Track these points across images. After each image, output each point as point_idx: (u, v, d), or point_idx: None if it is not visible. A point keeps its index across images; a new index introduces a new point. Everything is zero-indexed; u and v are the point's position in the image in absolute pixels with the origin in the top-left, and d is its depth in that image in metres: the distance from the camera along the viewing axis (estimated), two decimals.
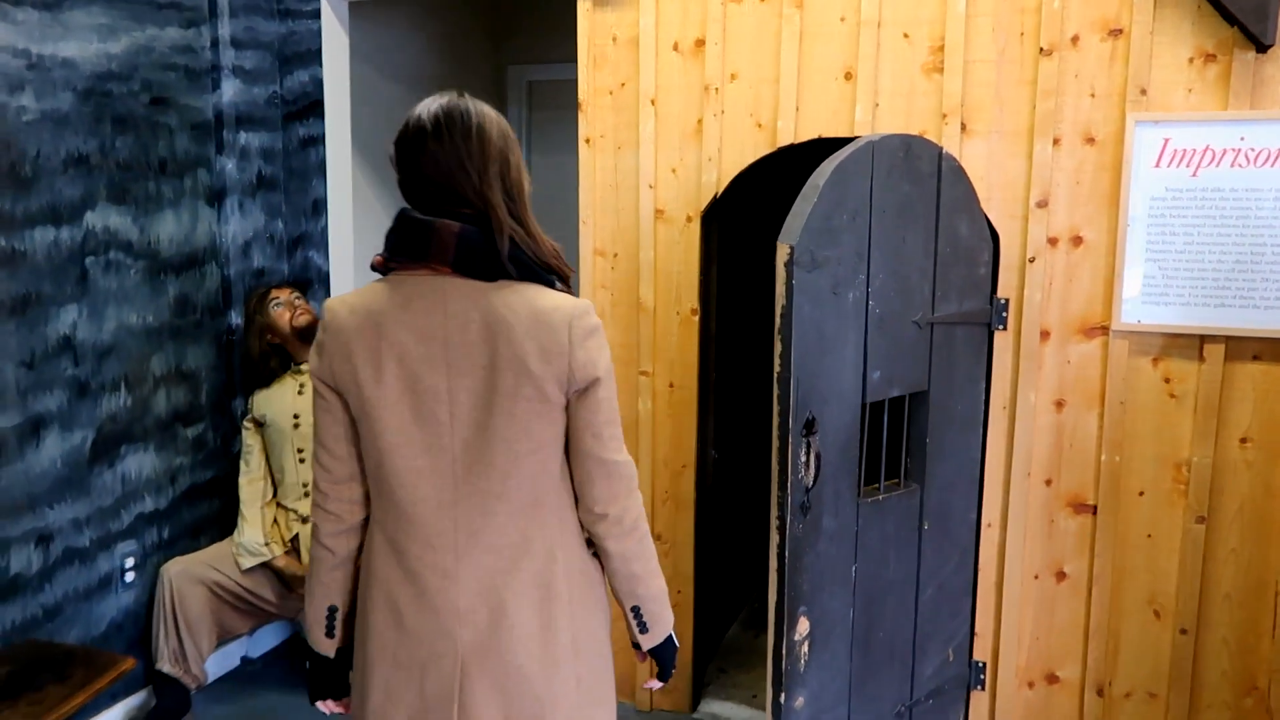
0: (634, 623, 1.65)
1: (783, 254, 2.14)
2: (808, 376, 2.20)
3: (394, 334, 1.50)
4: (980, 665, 2.82)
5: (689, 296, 2.97)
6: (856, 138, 2.60)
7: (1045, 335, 2.63)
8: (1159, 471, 2.59)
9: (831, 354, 2.25)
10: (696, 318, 2.97)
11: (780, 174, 3.05)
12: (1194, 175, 2.45)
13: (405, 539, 1.53)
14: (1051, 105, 2.54)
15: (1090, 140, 2.54)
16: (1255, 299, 2.44)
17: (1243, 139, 2.40)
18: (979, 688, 2.83)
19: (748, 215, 3.40)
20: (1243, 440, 2.51)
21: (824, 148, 2.62)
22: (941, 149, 2.44)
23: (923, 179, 2.40)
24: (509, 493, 1.50)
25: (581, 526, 1.59)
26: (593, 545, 1.62)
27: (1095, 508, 2.65)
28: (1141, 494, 2.61)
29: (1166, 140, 2.45)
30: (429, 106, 1.52)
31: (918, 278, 2.43)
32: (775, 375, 2.19)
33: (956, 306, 2.55)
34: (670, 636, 1.70)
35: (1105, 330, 2.58)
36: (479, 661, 1.51)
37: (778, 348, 2.18)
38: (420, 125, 1.50)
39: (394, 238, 1.53)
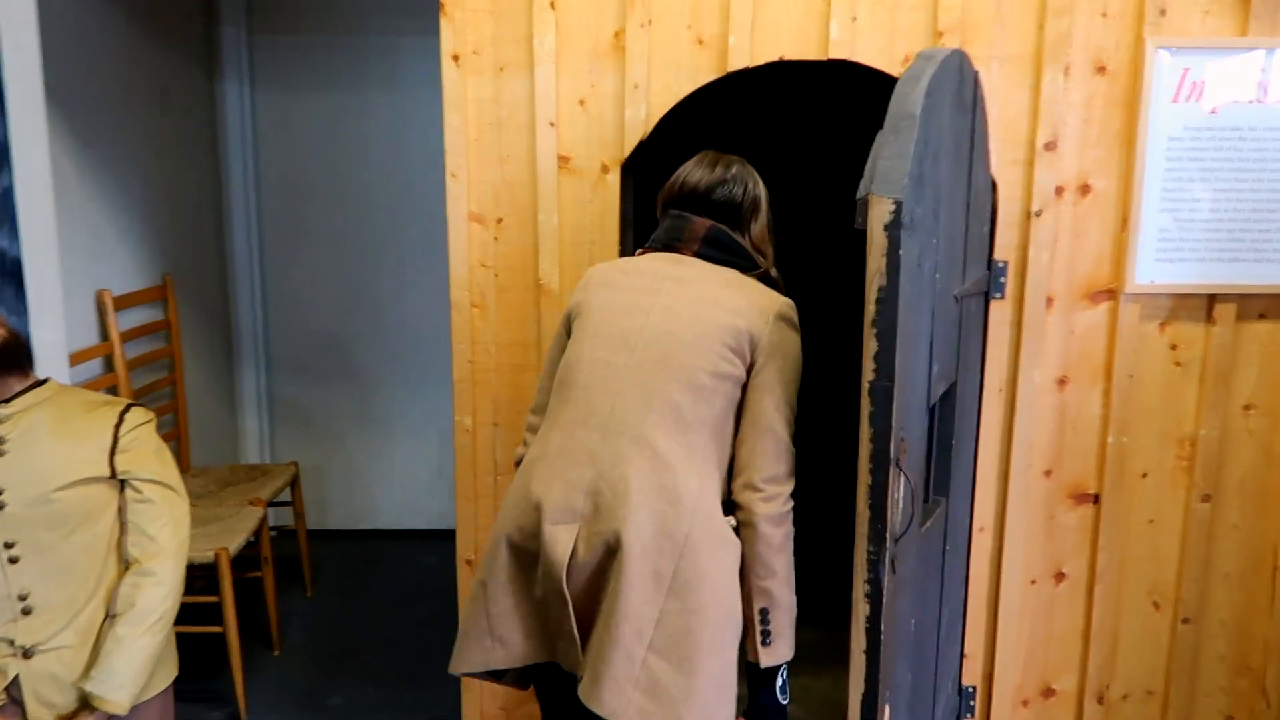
0: (758, 627, 1.62)
1: (882, 212, 1.49)
2: (899, 385, 1.58)
3: None
4: (970, 690, 2.41)
5: None
6: (835, 59, 2.01)
7: (1049, 303, 2.23)
8: (1163, 449, 2.30)
9: (912, 348, 1.65)
10: None
11: (727, 112, 2.36)
12: (1213, 112, 2.14)
13: None
14: (1064, 26, 2.10)
15: (1101, 70, 2.14)
16: (1269, 251, 2.20)
17: (1264, 71, 2.12)
18: (969, 716, 2.43)
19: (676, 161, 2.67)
20: (1246, 407, 2.29)
21: (783, 75, 1.99)
22: (977, 71, 1.91)
23: (967, 110, 1.86)
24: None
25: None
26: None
27: (1097, 496, 2.31)
28: (1145, 476, 2.31)
29: (1186, 71, 2.12)
30: None
31: (957, 241, 1.90)
32: (867, 387, 1.55)
33: (974, 274, 2.06)
34: (780, 681, 1.66)
35: (1113, 294, 2.23)
36: None
37: (871, 347, 1.53)
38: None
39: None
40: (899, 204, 1.48)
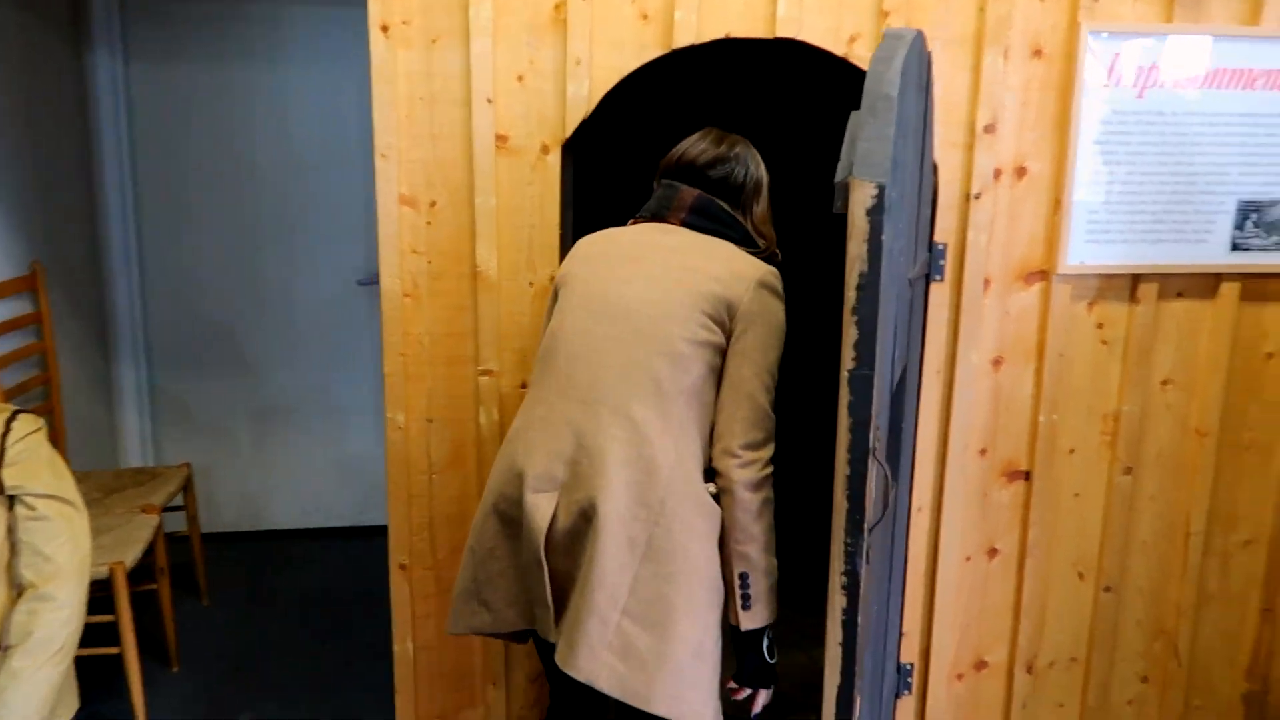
0: (738, 592, 1.62)
1: (864, 196, 1.45)
2: (877, 374, 1.55)
3: None
4: (908, 668, 2.44)
5: (547, 260, 2.11)
6: (781, 38, 1.97)
7: (986, 285, 2.25)
8: (1089, 426, 2.38)
9: (887, 335, 1.62)
10: None
11: (668, 90, 2.28)
12: (1139, 96, 2.20)
13: None
14: (1005, 9, 2.11)
15: (1038, 53, 2.16)
16: (1187, 232, 2.28)
17: (1185, 55, 2.18)
18: (905, 692, 2.46)
19: (625, 147, 2.57)
20: (1164, 383, 2.38)
21: (729, 53, 1.94)
22: (930, 52, 1.89)
23: (923, 91, 1.84)
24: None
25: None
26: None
27: (1028, 473, 2.37)
28: (1072, 452, 2.38)
29: (1116, 55, 2.16)
30: None
31: (913, 223, 1.88)
32: (847, 376, 1.51)
33: (921, 257, 2.06)
34: (766, 642, 1.68)
35: (1045, 275, 2.27)
36: None
37: (851, 335, 1.49)
38: None
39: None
40: (881, 188, 1.44)
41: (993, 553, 2.40)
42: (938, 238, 2.21)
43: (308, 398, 3.86)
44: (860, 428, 1.51)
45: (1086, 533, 2.44)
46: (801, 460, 2.92)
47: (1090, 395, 2.36)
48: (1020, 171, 2.21)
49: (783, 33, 2.05)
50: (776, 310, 1.68)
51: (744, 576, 1.63)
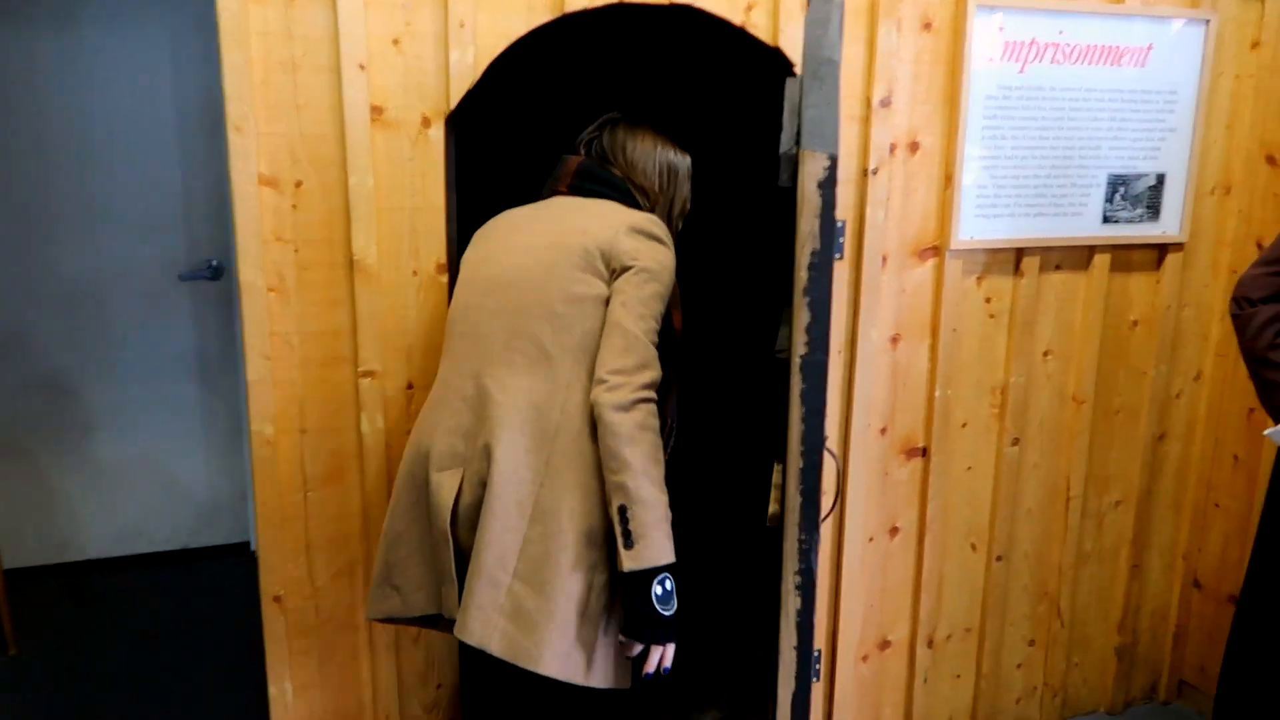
0: (619, 530, 1.49)
1: (816, 169, 1.35)
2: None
3: None
4: (816, 655, 2.40)
5: (432, 246, 1.90)
6: (676, 4, 1.85)
7: (884, 262, 2.22)
8: (979, 399, 2.40)
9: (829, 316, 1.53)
10: (445, 279, 1.92)
11: (556, 60, 2.10)
12: (1021, 72, 2.21)
13: None
14: None
15: (928, 26, 2.14)
16: (1064, 205, 2.33)
17: (1061, 32, 2.22)
18: (814, 680, 2.42)
19: (513, 122, 2.34)
20: (1045, 354, 2.43)
21: (621, 20, 1.81)
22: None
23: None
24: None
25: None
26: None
27: (925, 449, 2.37)
28: (964, 426, 2.40)
29: (1001, 30, 2.17)
30: None
31: None
32: (799, 362, 1.41)
33: None
34: (659, 590, 1.48)
35: (938, 251, 2.26)
36: None
37: (803, 318, 1.40)
38: None
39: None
40: (833, 159, 1.35)
41: (894, 531, 2.39)
42: (836, 214, 2.15)
43: (123, 410, 3.42)
44: (814, 416, 1.42)
45: (977, 504, 2.47)
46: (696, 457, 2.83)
47: (979, 369, 2.38)
48: (913, 146, 2.18)
49: None
50: (652, 251, 1.63)
51: (622, 510, 1.49)
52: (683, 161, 1.86)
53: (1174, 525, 2.69)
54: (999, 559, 2.51)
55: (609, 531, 1.53)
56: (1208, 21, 2.33)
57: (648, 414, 1.52)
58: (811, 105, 1.37)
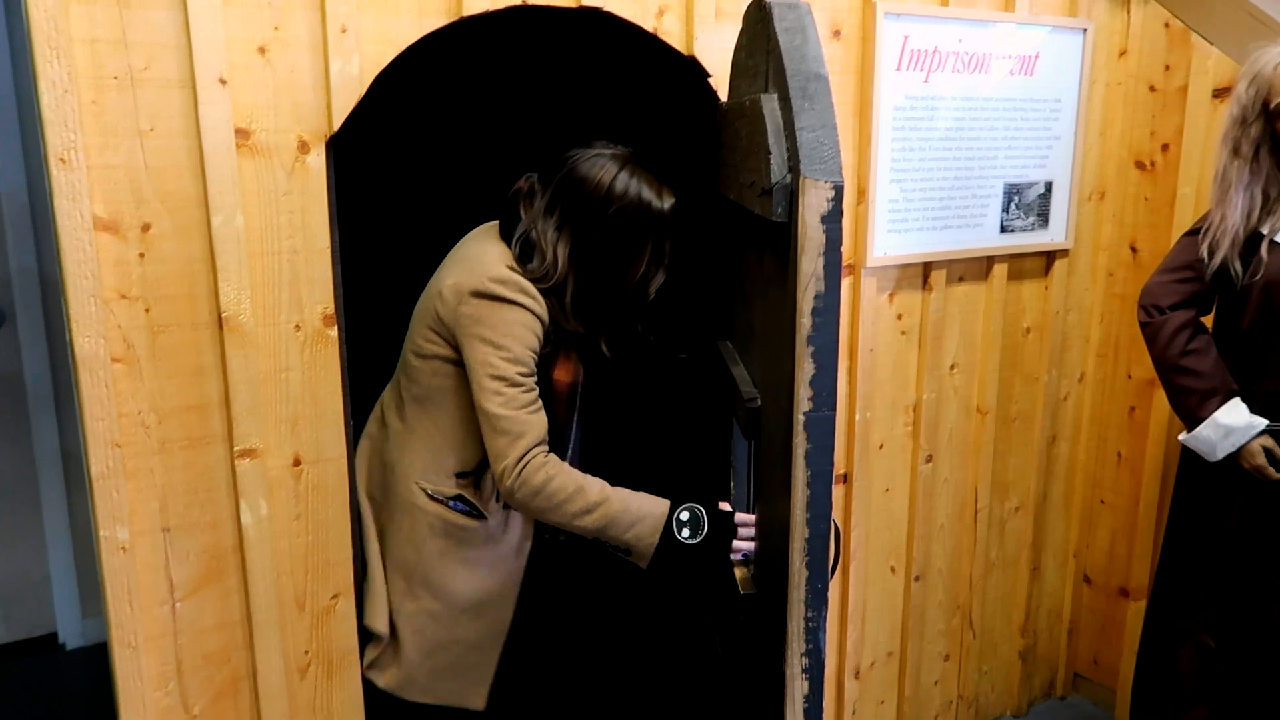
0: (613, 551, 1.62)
1: (820, 200, 1.18)
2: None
3: None
4: None
5: (317, 294, 1.59)
6: (585, 7, 1.66)
7: None
8: (894, 418, 2.33)
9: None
10: (335, 331, 1.62)
11: (449, 71, 1.83)
12: (925, 81, 2.14)
13: None
14: None
15: (837, 33, 2.02)
16: (967, 217, 2.29)
17: (960, 40, 2.17)
18: None
19: (406, 144, 2.01)
20: (952, 367, 2.39)
21: (520, 24, 1.60)
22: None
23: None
24: None
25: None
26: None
27: (847, 475, 2.27)
28: (882, 447, 2.32)
29: (906, 38, 2.09)
30: None
31: None
32: (804, 420, 1.23)
33: None
34: (681, 532, 1.59)
35: (853, 269, 2.16)
36: None
37: (806, 370, 1.22)
38: None
39: None
40: (838, 189, 1.18)
41: None
42: None
43: None
44: (821, 480, 1.25)
45: (896, 526, 2.40)
46: None
47: (893, 387, 2.30)
48: None
49: (589, 1, 1.71)
50: (494, 314, 1.57)
51: (598, 543, 1.62)
52: (641, 217, 1.62)
53: (1065, 525, 2.74)
54: (917, 579, 2.46)
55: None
56: (1084, 30, 2.35)
57: (537, 472, 1.55)
58: (806, 128, 1.20)
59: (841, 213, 1.16)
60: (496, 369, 1.54)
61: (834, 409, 1.22)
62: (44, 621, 3.08)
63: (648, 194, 1.60)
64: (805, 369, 1.21)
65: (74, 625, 3.05)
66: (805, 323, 1.20)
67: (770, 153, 1.24)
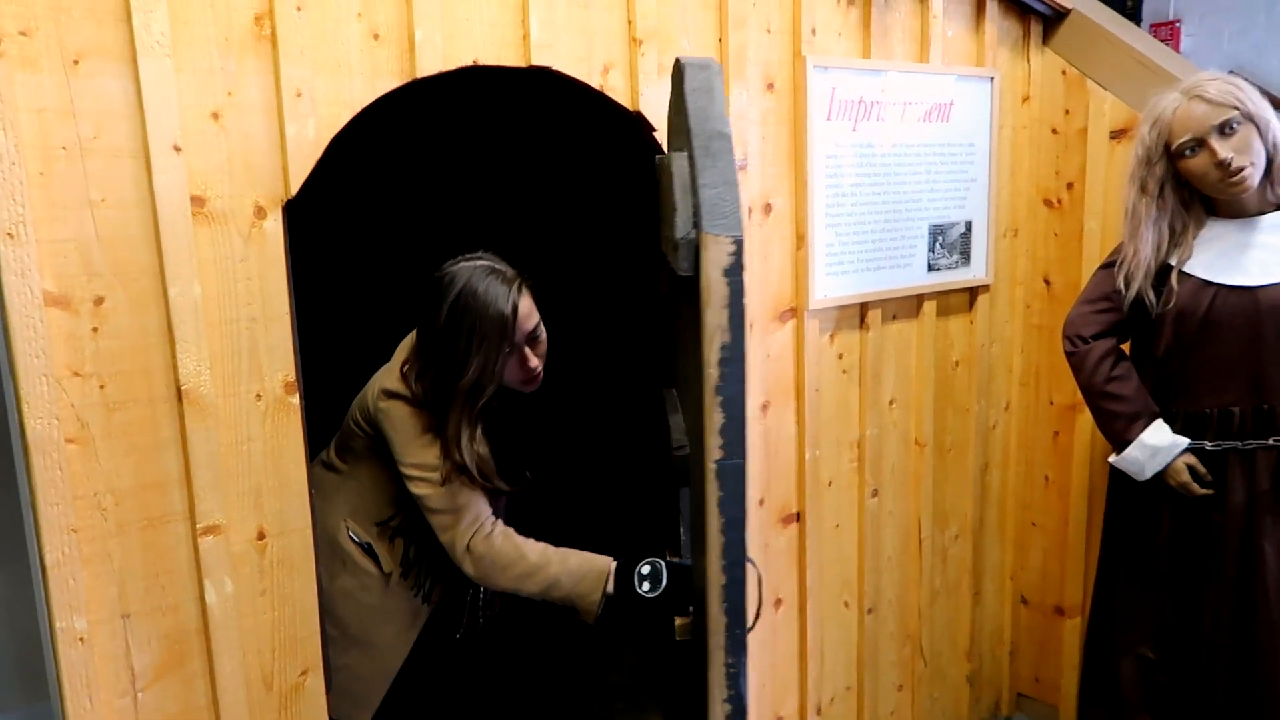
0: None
1: (720, 254, 1.24)
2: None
3: None
4: None
5: (277, 362, 1.55)
6: (535, 67, 1.70)
7: (750, 328, 2.14)
8: (840, 454, 2.38)
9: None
10: (296, 399, 1.58)
11: (400, 134, 1.82)
12: (854, 130, 2.24)
13: None
14: (743, 38, 2.01)
15: (770, 86, 2.10)
16: (898, 258, 2.38)
17: (883, 90, 2.27)
18: None
19: (368, 204, 1.98)
20: (891, 402, 2.47)
21: (472, 84, 1.62)
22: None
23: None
24: None
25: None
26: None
27: (799, 514, 2.31)
28: (830, 484, 2.37)
29: (834, 89, 2.18)
30: None
31: None
32: (715, 469, 1.27)
33: None
34: (641, 585, 1.66)
35: (795, 312, 2.22)
36: None
37: (715, 420, 1.26)
38: None
39: None
40: (738, 243, 1.23)
41: (778, 603, 2.30)
42: None
43: None
44: (734, 527, 1.28)
45: (846, 561, 2.44)
46: None
47: (839, 425, 2.36)
48: (767, 209, 2.13)
49: (538, 59, 1.73)
50: (395, 411, 1.71)
51: (550, 602, 1.73)
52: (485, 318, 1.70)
53: (1001, 549, 2.83)
54: (869, 611, 2.50)
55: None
56: (991, 79, 2.50)
57: (481, 551, 1.68)
58: (708, 184, 1.25)
59: (742, 266, 1.21)
60: (414, 460, 1.69)
61: (743, 457, 1.25)
62: None
63: (483, 301, 1.66)
64: (715, 418, 1.24)
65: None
66: (713, 373, 1.23)
67: (676, 209, 1.29)
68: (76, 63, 1.34)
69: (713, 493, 1.25)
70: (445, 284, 1.65)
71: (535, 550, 1.70)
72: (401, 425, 1.69)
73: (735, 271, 1.21)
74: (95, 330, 1.39)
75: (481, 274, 1.65)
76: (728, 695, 1.31)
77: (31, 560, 1.53)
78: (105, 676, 1.44)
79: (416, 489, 1.69)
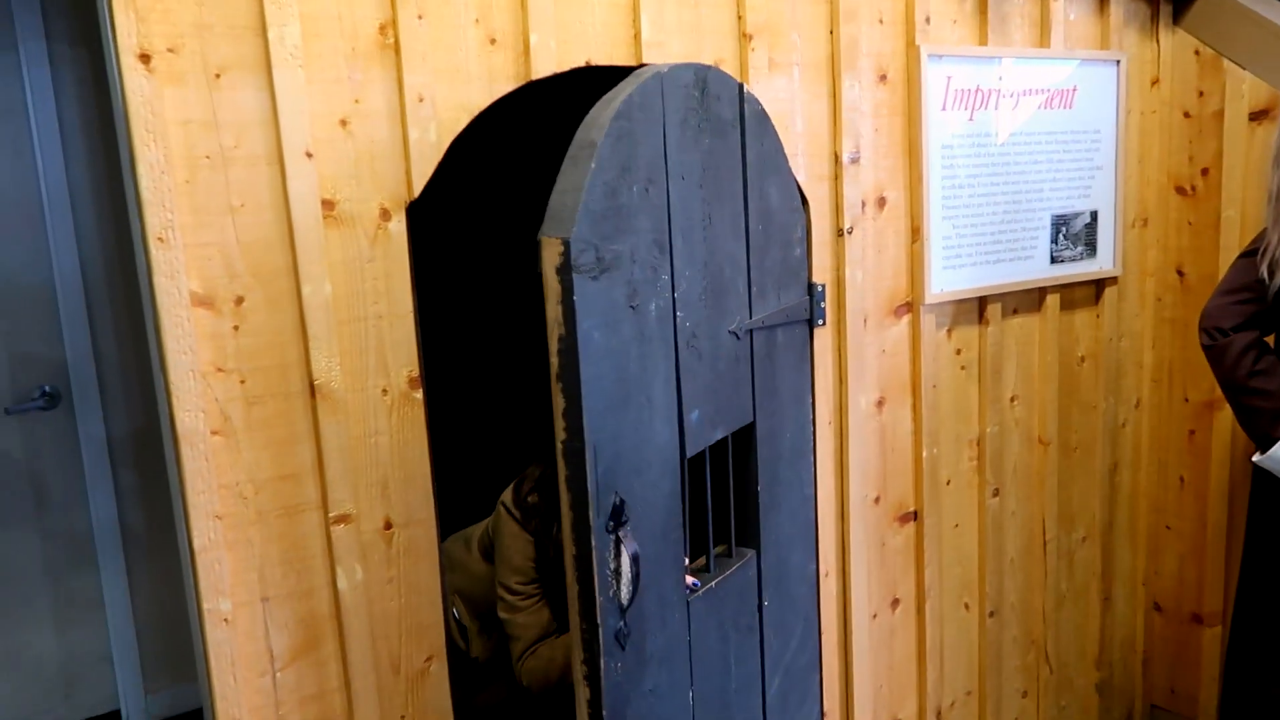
0: None
1: (552, 254, 1.24)
2: (608, 440, 1.33)
3: None
4: None
5: (403, 358, 1.61)
6: (642, 66, 1.69)
7: (864, 323, 2.11)
8: (959, 452, 2.32)
9: (636, 399, 1.38)
10: (420, 394, 1.63)
11: (525, 132, 1.87)
12: (970, 119, 2.18)
13: None
14: (855, 30, 1.99)
15: (883, 78, 2.07)
16: (1018, 250, 2.31)
17: (1000, 78, 2.21)
18: None
19: (486, 205, 2.07)
20: (1012, 399, 2.39)
21: (590, 85, 1.64)
22: (741, 85, 1.66)
23: (725, 129, 1.60)
24: None
25: None
26: None
27: (917, 513, 2.26)
28: (949, 483, 2.31)
29: (949, 79, 2.13)
30: None
31: (730, 270, 1.64)
32: (559, 448, 1.27)
33: (777, 303, 1.81)
34: None
35: (911, 307, 2.18)
36: None
37: (559, 404, 1.27)
38: None
39: None
40: (567, 244, 1.23)
41: (895, 603, 2.26)
42: (815, 277, 2.02)
43: None
44: (580, 504, 1.31)
45: (967, 562, 2.38)
46: None
47: (957, 422, 2.30)
48: (881, 202, 2.09)
49: (649, 58, 1.75)
50: (503, 525, 2.05)
51: None
52: None
53: (1132, 553, 2.71)
54: (991, 614, 2.43)
55: None
56: (1118, 62, 2.39)
57: (528, 682, 2.03)
58: (560, 190, 1.27)
59: (571, 266, 1.21)
60: (500, 577, 1.98)
61: (583, 441, 1.25)
62: (106, 699, 3.07)
63: None
64: (558, 403, 1.27)
65: (137, 702, 3.03)
66: (554, 361, 1.26)
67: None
68: (218, 76, 1.43)
69: (562, 470, 1.31)
70: None
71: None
72: (499, 537, 2.07)
73: (565, 270, 1.25)
74: (236, 328, 1.47)
75: None
76: (584, 657, 1.37)
77: (181, 546, 1.63)
78: (247, 656, 1.53)
79: (496, 605, 2.06)
